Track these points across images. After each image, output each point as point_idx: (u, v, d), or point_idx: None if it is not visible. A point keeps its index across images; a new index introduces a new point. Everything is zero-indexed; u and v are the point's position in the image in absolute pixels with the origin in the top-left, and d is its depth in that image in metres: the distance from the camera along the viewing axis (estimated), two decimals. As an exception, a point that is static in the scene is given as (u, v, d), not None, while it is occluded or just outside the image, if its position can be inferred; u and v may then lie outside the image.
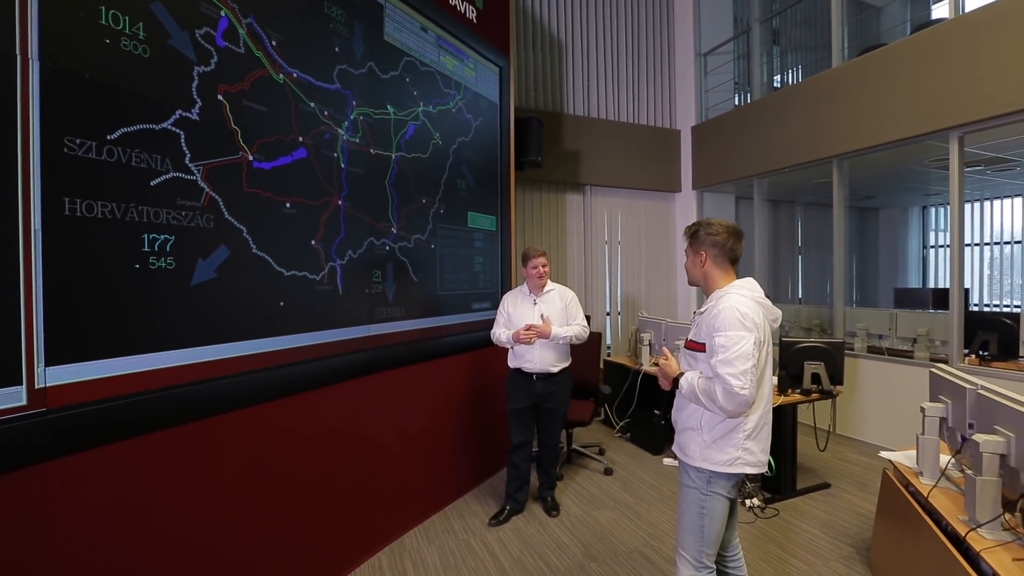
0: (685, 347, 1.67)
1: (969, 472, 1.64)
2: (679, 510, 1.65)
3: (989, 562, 1.44)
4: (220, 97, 1.78)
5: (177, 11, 1.65)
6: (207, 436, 1.75)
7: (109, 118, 1.48)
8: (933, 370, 2.17)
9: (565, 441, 3.58)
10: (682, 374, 1.60)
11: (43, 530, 1.36)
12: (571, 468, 3.55)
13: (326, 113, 2.21)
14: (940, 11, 5.52)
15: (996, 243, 7.17)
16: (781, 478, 3.04)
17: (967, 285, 3.90)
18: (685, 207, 5.81)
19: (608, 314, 5.52)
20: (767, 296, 1.61)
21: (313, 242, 2.14)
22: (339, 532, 2.28)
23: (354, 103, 2.36)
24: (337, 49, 2.27)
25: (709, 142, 5.52)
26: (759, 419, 1.55)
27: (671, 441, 1.77)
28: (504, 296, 2.92)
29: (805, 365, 3.10)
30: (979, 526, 1.56)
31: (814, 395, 3.10)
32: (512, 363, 2.80)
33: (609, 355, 5.06)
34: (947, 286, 3.71)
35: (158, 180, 1.59)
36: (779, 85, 5.99)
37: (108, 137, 1.47)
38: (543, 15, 5.07)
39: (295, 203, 2.06)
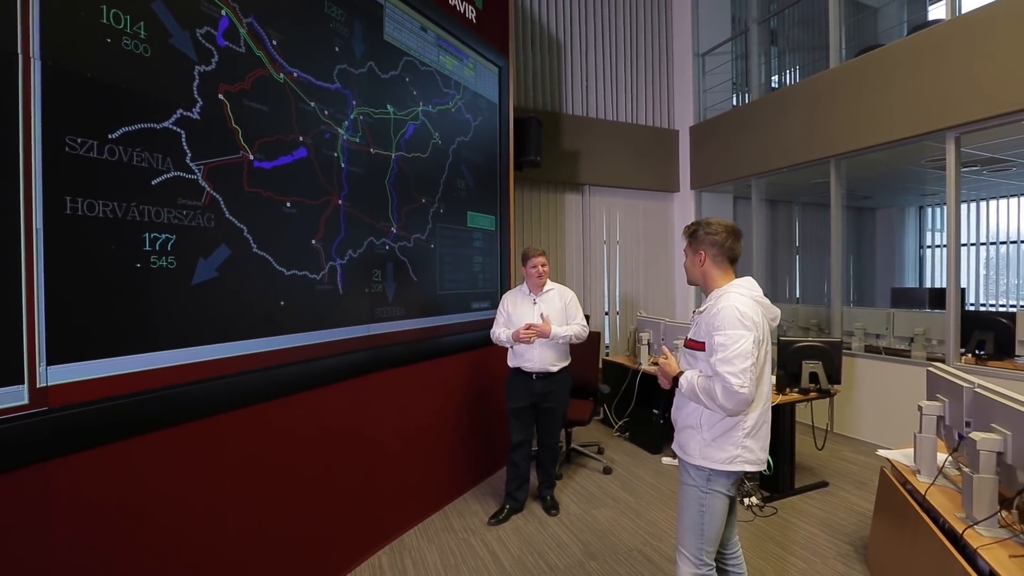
0: (685, 346, 1.68)
1: (966, 470, 1.66)
2: (679, 508, 1.65)
3: (986, 559, 1.45)
4: (221, 96, 1.78)
5: (178, 10, 1.65)
6: (208, 435, 1.75)
7: (110, 117, 1.48)
8: (930, 369, 2.18)
9: (564, 440, 3.59)
10: (682, 373, 1.61)
11: (44, 529, 1.36)
12: (570, 467, 3.55)
13: (326, 113, 2.21)
14: (937, 12, 5.55)
15: (992, 243, 7.21)
16: (779, 477, 3.06)
17: (963, 285, 3.92)
18: (683, 207, 5.82)
19: (607, 314, 5.53)
20: (765, 295, 1.62)
21: (313, 241, 2.15)
22: (339, 531, 2.28)
23: (354, 103, 2.36)
24: (337, 49, 2.28)
25: (707, 142, 5.54)
26: (758, 417, 1.55)
27: (670, 440, 1.78)
28: (504, 296, 2.92)
29: (803, 364, 3.12)
30: (976, 523, 1.58)
31: (812, 394, 3.11)
32: (512, 362, 2.81)
33: (608, 355, 5.07)
34: (943, 286, 3.74)
35: (159, 179, 1.59)
36: (777, 85, 6.02)
37: (109, 136, 1.47)
38: (542, 15, 5.08)
39: (295, 202, 2.06)
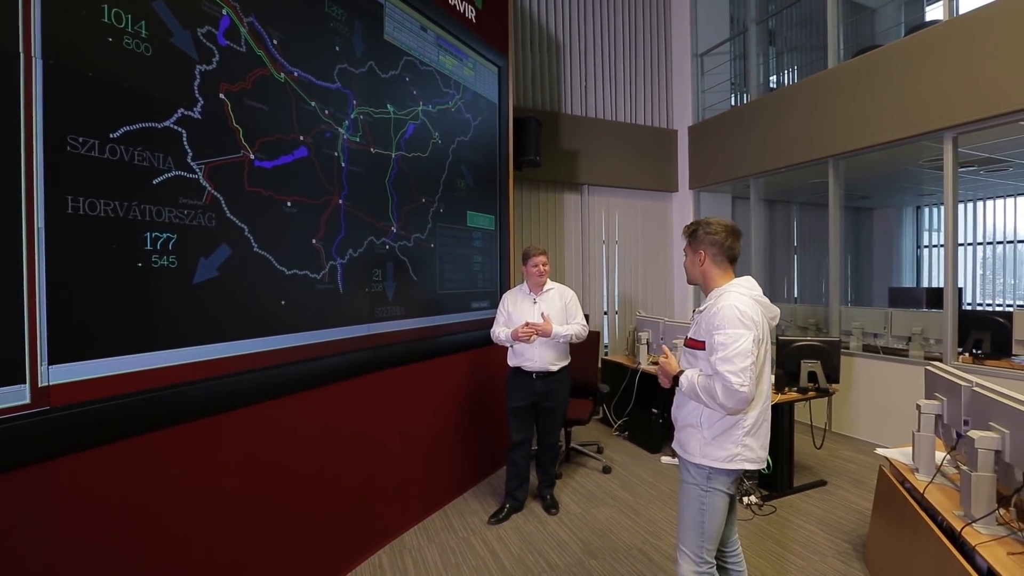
0: (685, 345, 1.68)
1: (964, 468, 1.67)
2: (679, 506, 1.66)
3: (984, 556, 1.46)
4: (222, 96, 1.78)
5: (179, 10, 1.65)
6: (209, 435, 1.75)
7: (111, 116, 1.48)
8: (929, 368, 2.19)
9: (564, 440, 3.59)
10: (682, 372, 1.62)
11: (46, 529, 1.36)
12: (570, 466, 3.56)
13: (327, 112, 2.21)
14: (934, 13, 5.57)
15: (989, 243, 7.24)
16: (778, 476, 3.07)
17: (960, 284, 3.94)
18: (682, 207, 5.84)
19: (605, 313, 5.54)
20: (764, 295, 1.63)
21: (314, 241, 2.15)
22: (340, 530, 2.28)
23: (354, 102, 2.37)
24: (337, 48, 2.28)
25: (706, 142, 5.55)
26: (758, 416, 1.56)
27: (669, 439, 1.78)
28: (504, 295, 2.93)
29: (802, 364, 3.13)
30: (974, 521, 1.58)
31: (811, 393, 3.12)
32: (512, 362, 2.81)
33: (607, 354, 5.08)
34: (941, 285, 3.75)
35: (160, 179, 1.59)
36: (775, 86, 6.04)
37: (111, 135, 1.47)
38: (541, 15, 5.09)
39: (296, 202, 2.06)
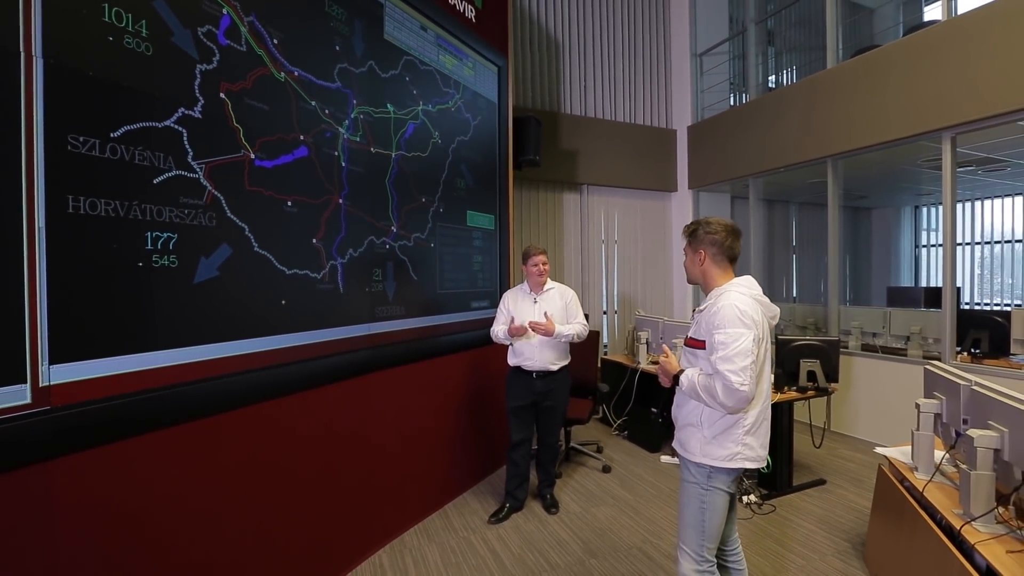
0: (685, 344, 1.69)
1: (963, 466, 1.67)
2: (680, 505, 1.67)
3: (983, 554, 1.47)
4: (222, 95, 1.78)
5: (179, 9, 1.65)
6: (209, 435, 1.75)
7: (112, 116, 1.48)
8: (928, 367, 2.20)
9: (563, 439, 3.59)
10: (682, 371, 1.62)
11: (46, 529, 1.36)
12: (569, 466, 3.56)
13: (327, 112, 2.21)
14: (932, 13, 5.59)
15: (987, 242, 7.26)
16: (777, 475, 3.08)
17: (958, 284, 3.95)
18: (681, 206, 5.84)
19: (605, 313, 5.54)
20: (763, 294, 1.63)
21: (314, 240, 2.15)
22: (340, 530, 2.28)
23: (354, 102, 2.36)
24: (338, 48, 2.28)
25: (705, 142, 5.56)
26: (758, 415, 1.57)
27: (668, 439, 1.79)
28: (504, 294, 2.93)
29: (801, 363, 3.14)
30: (973, 519, 1.59)
31: (810, 392, 3.13)
32: (512, 361, 2.81)
33: (606, 353, 5.08)
34: (939, 285, 3.76)
35: (161, 178, 1.59)
36: (774, 86, 6.04)
37: (111, 135, 1.47)
38: (540, 15, 5.09)
39: (296, 201, 2.06)
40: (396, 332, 2.63)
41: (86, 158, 1.42)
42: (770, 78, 6.10)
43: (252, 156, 1.88)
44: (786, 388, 3.14)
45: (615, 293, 5.59)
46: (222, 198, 1.76)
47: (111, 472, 1.49)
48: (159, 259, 1.58)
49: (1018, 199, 6.85)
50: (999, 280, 7.27)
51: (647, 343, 4.11)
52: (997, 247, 7.18)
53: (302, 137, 2.09)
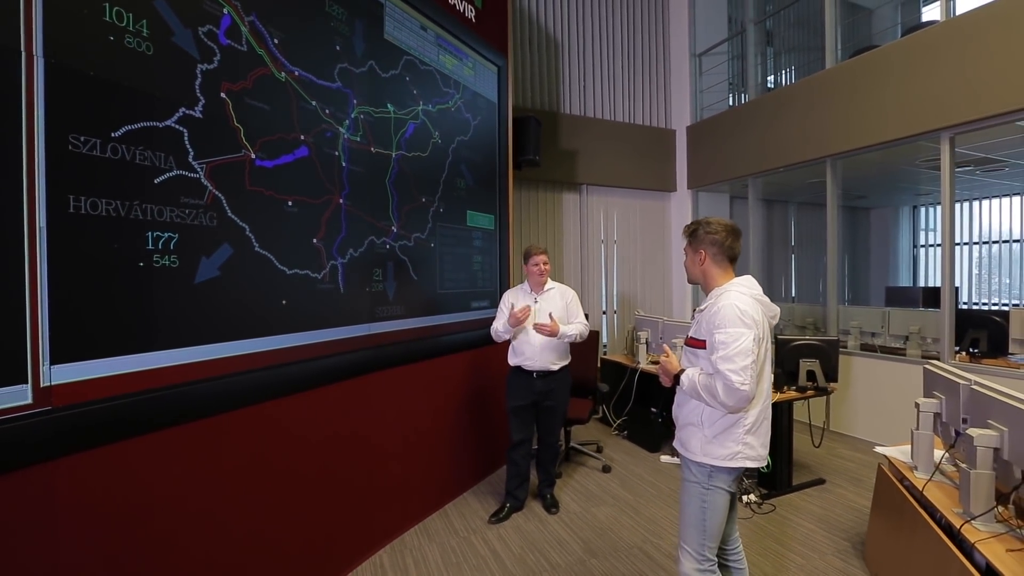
0: (686, 344, 1.69)
1: (963, 466, 1.68)
2: (681, 504, 1.67)
3: (983, 553, 1.47)
4: (223, 95, 1.78)
5: (180, 9, 1.64)
6: (209, 435, 1.74)
7: (113, 115, 1.47)
8: (927, 367, 2.20)
9: (563, 439, 3.60)
10: (683, 371, 1.63)
11: (48, 530, 1.35)
12: (569, 466, 3.57)
13: (327, 111, 2.21)
14: (931, 14, 5.60)
15: (985, 242, 7.28)
16: (777, 474, 3.08)
17: (956, 284, 3.96)
18: (680, 206, 5.85)
19: (604, 313, 5.55)
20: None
21: (315, 240, 2.15)
22: (341, 530, 2.28)
23: (355, 101, 2.36)
24: (338, 47, 2.28)
25: (704, 142, 5.57)
26: (759, 414, 1.57)
27: (668, 438, 1.79)
28: (505, 294, 2.93)
29: (800, 363, 3.15)
30: (973, 518, 1.60)
31: (809, 392, 3.14)
32: (512, 361, 2.81)
33: (605, 353, 5.08)
34: (937, 284, 3.77)
35: (162, 178, 1.59)
36: (773, 86, 6.05)
37: (112, 135, 1.47)
38: (540, 15, 5.09)
39: (297, 201, 2.06)
40: (396, 332, 2.63)
41: (87, 158, 1.42)
42: (769, 78, 6.11)
43: (253, 156, 1.88)
44: (785, 388, 3.14)
45: (614, 293, 5.60)
46: (223, 198, 1.76)
47: (112, 472, 1.48)
48: (160, 259, 1.58)
49: (1016, 199, 6.87)
50: (997, 280, 7.29)
51: (647, 343, 4.11)
52: (995, 247, 7.21)
53: (303, 137, 2.09)
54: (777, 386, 3.12)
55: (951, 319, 3.59)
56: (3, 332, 1.27)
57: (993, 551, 1.47)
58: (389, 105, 2.59)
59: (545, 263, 2.79)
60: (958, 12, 3.52)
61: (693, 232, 1.68)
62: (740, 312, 1.50)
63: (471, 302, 3.29)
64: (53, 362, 1.35)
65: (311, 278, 2.13)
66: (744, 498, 2.92)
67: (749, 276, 1.64)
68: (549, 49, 5.14)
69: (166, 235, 1.59)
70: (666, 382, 1.70)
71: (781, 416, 3.06)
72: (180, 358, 1.65)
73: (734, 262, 1.66)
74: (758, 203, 5.28)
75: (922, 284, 7.73)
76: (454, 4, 3.12)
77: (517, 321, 2.63)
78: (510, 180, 3.73)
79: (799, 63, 6.06)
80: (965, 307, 6.89)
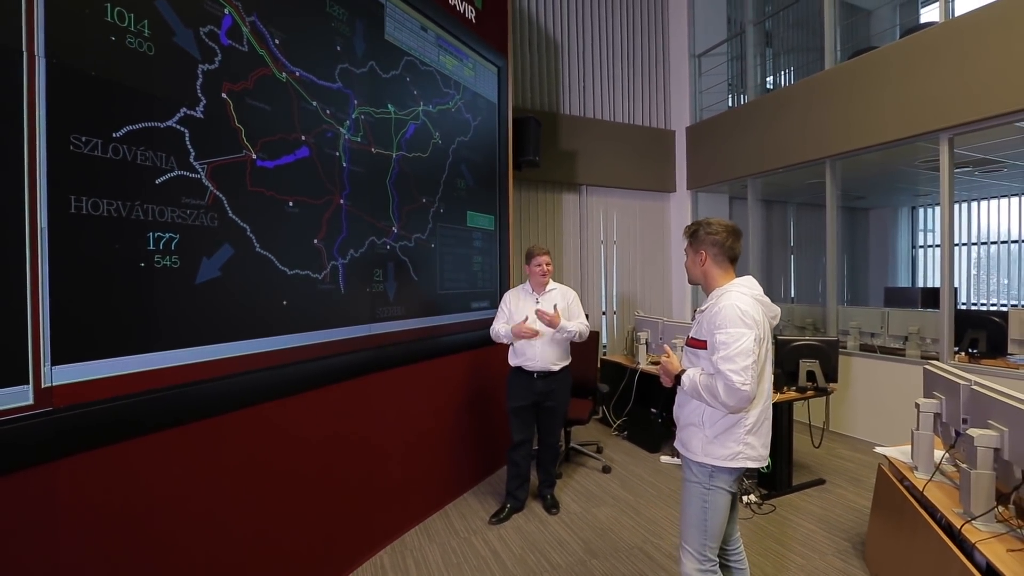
0: (686, 344, 1.69)
1: (963, 466, 1.68)
2: (682, 504, 1.67)
3: (984, 553, 1.48)
4: (224, 95, 1.77)
5: (181, 9, 1.64)
6: (210, 436, 1.74)
7: (114, 116, 1.47)
8: (927, 367, 2.21)
9: (563, 439, 3.60)
10: (684, 371, 1.63)
11: (49, 531, 1.35)
12: (569, 466, 3.57)
13: (328, 112, 2.21)
14: (930, 15, 5.62)
15: (983, 243, 7.30)
16: (777, 475, 3.08)
17: (955, 284, 3.97)
18: (680, 207, 5.86)
19: (604, 313, 5.55)
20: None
21: (315, 241, 2.15)
22: (341, 531, 2.28)
23: (355, 102, 2.36)
24: (339, 48, 2.28)
25: (703, 143, 5.57)
26: (759, 414, 1.57)
27: (668, 439, 1.80)
28: (505, 294, 2.93)
29: (800, 363, 3.15)
30: (974, 519, 1.60)
31: (809, 392, 3.14)
32: (513, 361, 2.81)
33: (605, 354, 5.09)
34: (936, 285, 3.78)
35: (163, 178, 1.59)
36: (772, 87, 6.06)
37: (113, 135, 1.47)
38: (540, 16, 5.10)
39: (298, 202, 2.06)
40: (397, 332, 2.63)
41: (88, 158, 1.41)
42: (768, 79, 6.13)
43: (254, 156, 1.88)
44: (785, 388, 3.15)
45: (614, 293, 5.60)
46: (224, 198, 1.76)
47: (113, 473, 1.48)
48: (161, 259, 1.58)
49: (1015, 200, 6.89)
50: (996, 280, 7.31)
51: (647, 343, 4.12)
52: (994, 247, 7.22)
53: (303, 137, 2.09)
54: (777, 386, 3.12)
55: (950, 319, 3.60)
56: (4, 333, 1.26)
57: (994, 551, 1.47)
58: (390, 105, 2.59)
59: (548, 264, 2.80)
60: (957, 13, 3.53)
61: (694, 233, 1.69)
62: (741, 312, 1.50)
63: (471, 303, 3.29)
64: (54, 363, 1.35)
65: (312, 278, 2.13)
66: (744, 498, 2.92)
67: (750, 276, 1.65)
68: (549, 50, 5.15)
69: (167, 236, 1.59)
70: (667, 382, 1.71)
71: (781, 416, 3.07)
72: (181, 359, 1.65)
73: (735, 263, 1.67)
74: (757, 204, 5.29)
75: (921, 284, 7.74)
76: (454, 5, 3.13)
77: (520, 335, 2.64)
78: (510, 181, 3.74)
79: (798, 64, 6.07)
80: (964, 307, 6.90)
